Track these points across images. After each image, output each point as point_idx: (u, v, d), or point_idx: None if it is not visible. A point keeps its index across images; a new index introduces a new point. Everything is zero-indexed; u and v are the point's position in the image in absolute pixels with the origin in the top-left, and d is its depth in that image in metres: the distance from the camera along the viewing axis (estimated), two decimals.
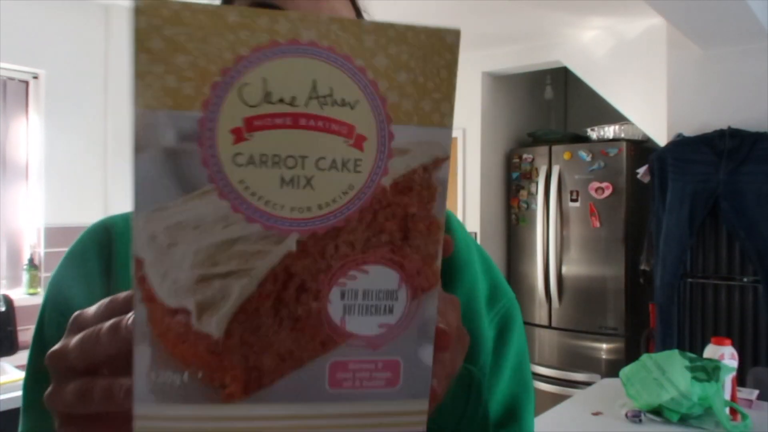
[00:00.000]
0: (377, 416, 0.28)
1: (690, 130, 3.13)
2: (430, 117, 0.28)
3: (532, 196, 3.95)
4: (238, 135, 0.25)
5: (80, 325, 0.32)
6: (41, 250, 2.92)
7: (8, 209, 2.91)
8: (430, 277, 0.29)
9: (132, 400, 0.26)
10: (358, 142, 0.26)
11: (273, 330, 0.27)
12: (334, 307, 0.27)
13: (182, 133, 0.25)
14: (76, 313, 0.33)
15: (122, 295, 0.32)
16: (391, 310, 0.28)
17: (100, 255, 0.60)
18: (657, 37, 3.35)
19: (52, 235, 2.94)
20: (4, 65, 2.81)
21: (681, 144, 3.09)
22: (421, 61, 0.27)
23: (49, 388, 0.31)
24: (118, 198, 3.11)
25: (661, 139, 3.29)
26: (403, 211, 0.28)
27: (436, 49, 0.27)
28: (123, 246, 0.60)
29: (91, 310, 0.33)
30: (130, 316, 0.28)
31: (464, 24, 3.46)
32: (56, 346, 0.32)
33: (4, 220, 2.89)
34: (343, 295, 0.27)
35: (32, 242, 2.96)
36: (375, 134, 0.27)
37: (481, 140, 4.07)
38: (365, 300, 0.28)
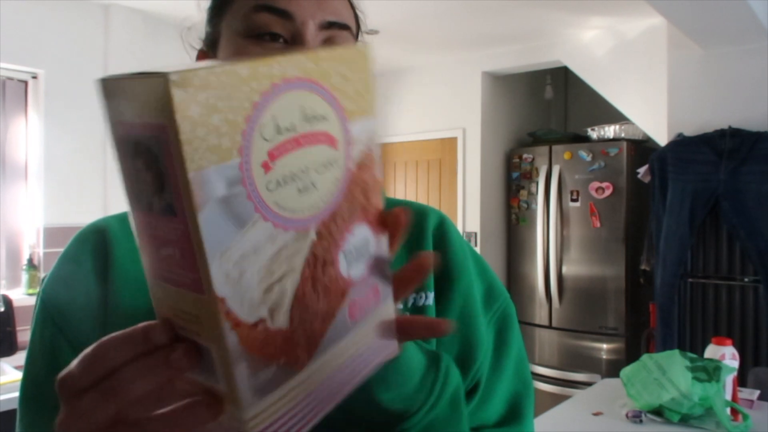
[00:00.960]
0: (376, 322, 0.39)
1: (690, 130, 3.13)
2: (365, 111, 0.37)
3: (533, 196, 3.94)
4: (266, 167, 0.31)
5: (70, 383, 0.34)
6: (40, 251, 2.92)
7: (7, 209, 2.90)
8: (380, 218, 0.39)
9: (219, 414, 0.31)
10: (334, 144, 0.35)
11: (315, 302, 0.34)
12: (342, 266, 0.36)
13: (229, 180, 0.29)
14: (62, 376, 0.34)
15: (118, 334, 0.33)
16: (370, 253, 0.38)
17: (95, 257, 0.60)
18: (657, 37, 3.34)
19: (52, 235, 2.93)
20: (3, 65, 2.80)
21: (681, 144, 3.08)
22: (356, 72, 0.36)
23: (60, 415, 0.33)
24: (117, 197, 3.10)
25: (662, 138, 3.29)
26: (364, 182, 0.37)
27: (358, 62, 0.36)
28: (120, 247, 0.60)
29: (75, 364, 0.34)
30: (165, 354, 0.31)
31: (464, 24, 3.46)
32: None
33: (4, 220, 2.89)
34: (345, 255, 0.36)
35: (31, 242, 2.95)
36: (342, 134, 0.35)
37: (481, 140, 4.07)
38: (356, 252, 0.37)
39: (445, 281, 0.65)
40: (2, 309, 2.62)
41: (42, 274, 2.90)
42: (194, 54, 0.69)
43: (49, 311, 0.59)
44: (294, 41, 0.58)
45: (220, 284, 0.29)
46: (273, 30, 0.57)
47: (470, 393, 0.62)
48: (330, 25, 0.59)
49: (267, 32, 0.58)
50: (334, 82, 0.34)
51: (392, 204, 0.70)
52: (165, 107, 0.27)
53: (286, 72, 0.31)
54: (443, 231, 0.67)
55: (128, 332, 0.32)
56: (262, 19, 0.57)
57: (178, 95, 0.27)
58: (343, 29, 0.60)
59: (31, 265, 2.85)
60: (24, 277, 2.85)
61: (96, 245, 0.60)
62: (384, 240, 0.39)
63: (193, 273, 0.29)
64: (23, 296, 2.81)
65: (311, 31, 0.57)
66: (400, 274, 0.41)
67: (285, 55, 0.32)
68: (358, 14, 0.66)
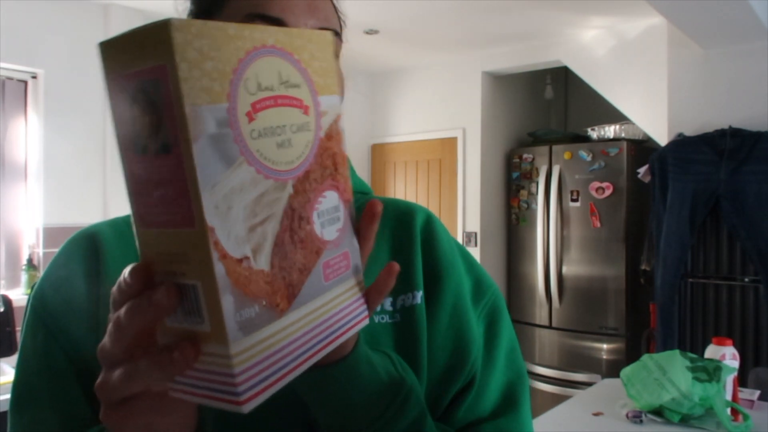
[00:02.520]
0: (346, 292, 0.42)
1: (691, 130, 3.12)
2: (331, 88, 0.41)
3: (533, 195, 3.94)
4: (249, 116, 0.34)
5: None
6: (40, 251, 2.92)
7: (7, 209, 2.90)
8: (349, 191, 0.43)
9: (186, 358, 0.33)
10: (306, 111, 0.39)
11: (293, 252, 0.37)
12: (317, 225, 0.40)
13: (219, 121, 0.32)
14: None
15: (114, 287, 0.36)
16: (339, 219, 0.42)
17: (86, 261, 0.60)
18: (658, 37, 3.34)
19: (51, 235, 2.93)
20: (2, 65, 2.80)
21: (682, 144, 3.08)
22: (322, 53, 0.40)
23: (99, 379, 0.36)
24: (116, 197, 3.10)
25: (662, 138, 3.29)
26: (332, 151, 0.41)
27: (324, 44, 0.41)
28: (111, 251, 0.60)
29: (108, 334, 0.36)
30: (148, 295, 0.33)
31: (464, 24, 3.46)
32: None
33: (3, 221, 2.88)
34: (318, 216, 0.40)
35: (31, 242, 2.95)
36: (312, 104, 0.39)
37: (481, 140, 4.07)
38: (328, 216, 0.40)
39: (435, 279, 0.65)
40: (2, 309, 2.62)
41: (41, 275, 2.90)
42: None
43: (40, 316, 0.59)
44: None
45: (210, 214, 0.31)
46: None
47: (466, 389, 0.63)
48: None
49: None
50: (305, 58, 0.39)
51: (381, 201, 0.71)
52: (167, 48, 0.30)
53: (266, 39, 0.36)
54: (431, 229, 0.68)
55: (118, 282, 0.35)
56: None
57: (177, 37, 0.30)
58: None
59: (31, 265, 2.85)
60: (23, 277, 2.85)
61: (87, 250, 0.60)
62: (351, 210, 0.43)
63: (185, 207, 0.32)
64: (23, 296, 2.81)
65: None
66: (373, 284, 0.44)
67: (266, 27, 0.36)
68: (341, 17, 0.68)
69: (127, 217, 0.65)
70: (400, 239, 0.66)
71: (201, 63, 0.31)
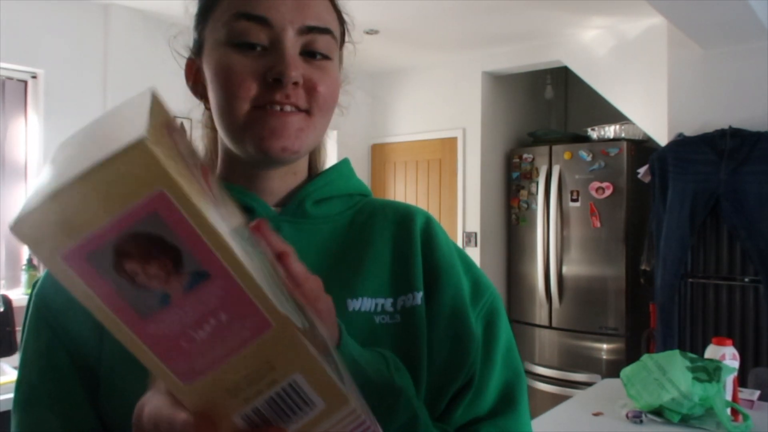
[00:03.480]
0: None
1: (691, 130, 3.12)
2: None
3: (533, 196, 3.94)
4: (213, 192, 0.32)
5: None
6: None
7: (7, 209, 2.90)
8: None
9: None
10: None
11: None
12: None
13: (221, 215, 0.30)
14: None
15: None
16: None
17: None
18: (658, 37, 3.34)
19: None
20: (2, 65, 2.80)
21: (682, 144, 3.08)
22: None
23: None
24: None
25: (662, 138, 3.29)
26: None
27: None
28: None
29: None
30: None
31: (464, 24, 3.46)
32: None
33: (3, 220, 2.88)
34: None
35: None
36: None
37: (481, 140, 4.07)
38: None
39: (434, 280, 0.65)
40: (2, 309, 2.61)
41: (41, 275, 2.90)
42: (183, 61, 0.70)
43: (43, 315, 0.59)
44: (273, 47, 0.59)
45: (278, 305, 0.30)
46: (251, 39, 0.59)
47: (464, 388, 0.63)
48: (310, 30, 0.60)
49: (245, 41, 0.59)
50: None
51: (379, 203, 0.72)
52: (157, 171, 0.24)
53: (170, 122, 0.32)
54: (430, 231, 0.68)
55: None
56: (241, 27, 0.59)
57: (159, 152, 0.24)
58: (324, 33, 0.61)
59: (31, 265, 2.85)
60: (23, 277, 2.84)
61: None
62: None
63: (252, 316, 0.29)
64: (23, 296, 2.81)
65: (290, 36, 0.59)
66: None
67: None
68: (344, 17, 0.67)
69: None
70: (401, 241, 0.67)
71: (181, 168, 0.26)
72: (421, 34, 3.65)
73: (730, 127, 2.97)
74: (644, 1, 2.51)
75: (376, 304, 0.63)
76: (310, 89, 0.60)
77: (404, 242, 0.66)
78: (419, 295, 0.64)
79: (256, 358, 0.30)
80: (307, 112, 0.61)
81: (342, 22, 0.67)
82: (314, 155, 0.73)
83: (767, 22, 2.71)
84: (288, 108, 0.59)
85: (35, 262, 2.88)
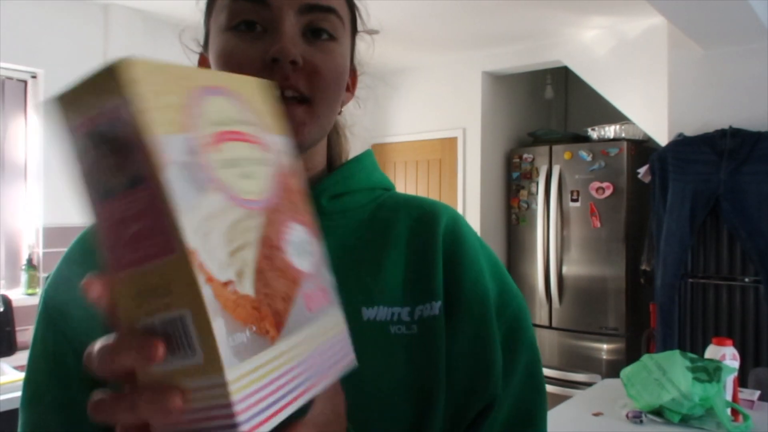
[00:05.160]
0: (333, 326, 0.41)
1: (691, 130, 3.12)
2: (276, 129, 0.42)
3: (533, 196, 3.94)
4: (212, 147, 0.35)
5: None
6: (40, 251, 2.91)
7: (7, 209, 2.90)
8: (316, 228, 0.42)
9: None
10: (263, 147, 0.39)
11: (274, 279, 0.37)
12: (291, 256, 0.39)
13: (184, 149, 0.33)
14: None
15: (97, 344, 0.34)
16: (311, 253, 0.41)
17: (92, 257, 0.59)
18: (658, 37, 3.34)
19: (51, 235, 2.93)
20: (2, 65, 2.80)
21: (682, 144, 3.08)
22: (262, 96, 0.41)
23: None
24: None
25: (662, 138, 3.28)
26: (294, 188, 0.41)
27: (263, 89, 0.42)
28: None
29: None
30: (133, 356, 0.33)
31: (464, 24, 3.46)
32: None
33: (3, 221, 2.88)
34: (290, 246, 0.39)
35: (31, 242, 2.95)
36: (265, 141, 0.40)
37: (481, 140, 4.07)
38: (299, 247, 0.40)
39: (458, 291, 0.59)
40: (1, 309, 2.61)
41: (41, 274, 2.90)
42: (195, 58, 0.68)
43: (50, 314, 0.58)
44: (272, 28, 0.57)
45: (191, 236, 0.31)
46: (249, 17, 0.57)
47: (486, 410, 0.58)
48: (311, 9, 0.57)
49: (242, 21, 0.57)
50: (250, 100, 0.40)
51: (402, 199, 0.67)
52: (122, 84, 0.31)
53: (210, 81, 0.37)
54: (456, 233, 0.62)
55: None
56: (238, 8, 0.57)
57: (131, 73, 0.31)
58: (327, 12, 0.58)
59: (31, 265, 2.85)
60: (23, 277, 2.84)
61: (93, 247, 0.59)
62: (320, 245, 0.42)
63: (164, 235, 0.31)
64: (22, 296, 2.81)
65: (289, 16, 0.56)
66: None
67: (209, 70, 0.38)
68: (354, 2, 0.65)
69: None
70: (422, 243, 0.61)
71: (157, 96, 0.32)
72: (421, 34, 3.65)
73: (730, 127, 2.97)
74: (644, 1, 2.51)
75: (392, 314, 0.58)
76: (312, 72, 0.56)
77: (426, 245, 0.61)
78: (438, 305, 0.58)
79: (159, 275, 0.31)
80: (310, 101, 0.57)
81: (352, 6, 0.64)
82: (334, 146, 0.69)
83: (767, 22, 2.70)
84: (288, 93, 0.55)
85: (35, 262, 2.88)
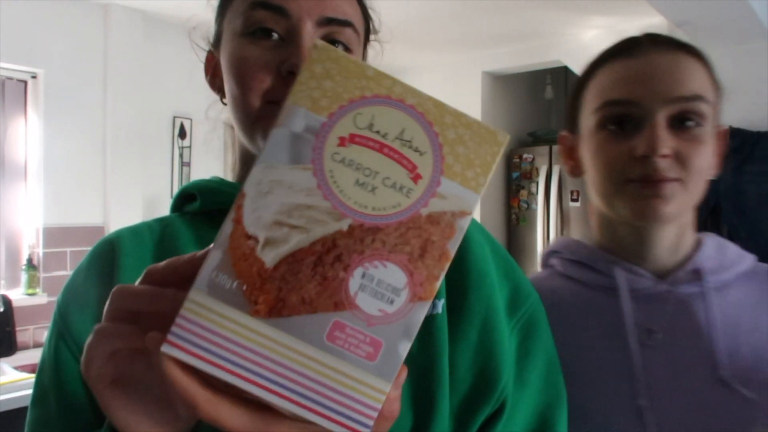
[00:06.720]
0: (349, 377, 0.35)
1: None
2: (469, 182, 0.37)
3: (533, 195, 3.94)
4: (342, 142, 0.36)
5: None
6: (40, 251, 2.91)
7: (7, 209, 2.90)
8: (428, 291, 0.36)
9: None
10: (416, 178, 0.36)
11: (306, 278, 0.35)
12: (354, 282, 0.35)
13: (308, 127, 0.35)
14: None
15: (185, 256, 0.38)
16: (392, 302, 0.36)
17: (101, 267, 0.59)
18: None
19: (51, 235, 2.93)
20: (2, 65, 2.80)
21: None
22: (476, 144, 0.38)
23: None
24: (117, 197, 3.10)
25: None
26: (428, 236, 0.36)
27: (488, 141, 0.38)
28: (127, 258, 0.59)
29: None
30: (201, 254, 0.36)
31: (464, 24, 3.46)
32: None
33: (3, 221, 2.89)
34: (363, 276, 0.36)
35: (31, 242, 2.95)
36: (428, 178, 0.37)
37: None
38: (377, 286, 0.36)
39: (462, 290, 0.58)
40: (2, 309, 2.62)
41: (41, 275, 2.90)
42: (203, 55, 0.68)
43: (56, 321, 0.59)
44: (289, 38, 0.57)
45: (250, 182, 0.35)
46: (267, 25, 0.57)
47: (496, 414, 0.57)
48: (329, 22, 0.57)
49: (260, 28, 0.57)
50: (448, 135, 0.37)
51: None
52: (306, 59, 0.36)
53: (407, 97, 0.37)
54: (465, 235, 0.62)
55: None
56: (258, 16, 0.57)
57: (313, 53, 0.36)
58: (345, 26, 0.59)
59: (31, 266, 2.85)
60: (23, 277, 2.84)
61: (104, 257, 0.60)
62: (420, 312, 0.36)
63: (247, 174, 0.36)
64: (23, 296, 2.81)
65: (308, 28, 0.56)
66: None
67: (415, 88, 0.38)
68: (369, 12, 0.65)
69: (151, 222, 0.64)
70: None
71: (322, 79, 0.36)
72: (421, 34, 3.65)
73: (730, 127, 2.96)
74: (644, 1, 2.51)
75: None
76: None
77: None
78: (440, 303, 0.57)
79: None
80: None
81: (367, 17, 0.64)
82: None
83: (767, 23, 2.71)
84: None
85: (35, 262, 2.88)
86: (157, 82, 3.22)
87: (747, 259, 0.78)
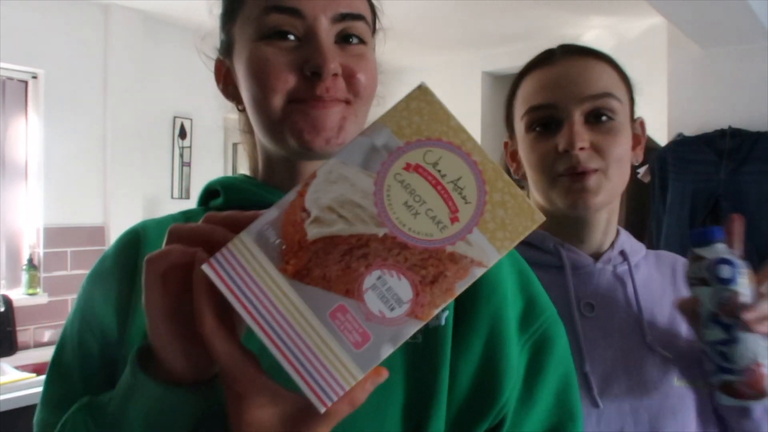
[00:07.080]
0: (333, 354, 0.40)
1: (690, 130, 3.12)
2: (496, 241, 0.41)
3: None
4: (407, 167, 0.41)
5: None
6: (40, 251, 2.92)
7: (7, 209, 2.90)
8: (426, 314, 0.41)
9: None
10: (453, 219, 0.41)
11: (334, 260, 0.40)
12: (369, 280, 0.40)
13: (386, 145, 0.41)
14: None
15: (222, 214, 0.43)
16: (392, 309, 0.40)
17: (126, 254, 0.61)
18: (657, 37, 3.34)
19: (52, 235, 2.93)
20: (3, 65, 2.81)
21: (681, 144, 3.08)
22: (514, 213, 0.42)
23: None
24: (117, 197, 3.10)
25: (662, 138, 3.29)
26: (444, 269, 0.41)
27: (526, 215, 0.42)
28: (150, 247, 0.60)
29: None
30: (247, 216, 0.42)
31: (464, 24, 3.46)
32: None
33: (4, 221, 2.89)
34: (378, 278, 0.40)
35: (31, 242, 2.95)
36: (464, 223, 0.41)
37: (481, 140, 4.07)
38: (386, 291, 0.40)
39: (470, 300, 0.58)
40: (2, 309, 2.62)
41: (42, 274, 2.90)
42: (212, 64, 0.68)
43: (80, 305, 0.61)
44: (307, 39, 0.58)
45: (323, 170, 0.41)
46: (282, 28, 0.57)
47: (494, 430, 0.56)
48: (344, 17, 0.58)
49: (276, 31, 0.57)
50: (494, 197, 0.42)
51: None
52: (409, 95, 0.43)
53: (473, 152, 0.42)
54: None
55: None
56: (273, 20, 0.57)
57: (413, 92, 0.43)
58: (358, 20, 0.60)
59: (31, 265, 2.85)
60: (24, 277, 2.85)
61: (128, 245, 0.62)
62: (411, 326, 0.41)
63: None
64: (23, 296, 2.81)
65: (324, 26, 0.57)
66: None
67: (482, 149, 0.42)
68: (374, 3, 0.66)
69: (176, 214, 0.66)
70: None
71: (413, 113, 0.42)
72: (421, 34, 3.65)
73: (729, 127, 2.97)
74: (644, 1, 2.51)
75: None
76: (350, 77, 0.59)
77: None
78: (444, 316, 0.56)
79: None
80: (347, 101, 0.59)
81: (373, 9, 0.66)
82: None
83: (767, 23, 2.71)
84: (327, 97, 0.57)
85: (35, 262, 2.88)
86: (157, 82, 3.22)
87: (642, 245, 0.93)
